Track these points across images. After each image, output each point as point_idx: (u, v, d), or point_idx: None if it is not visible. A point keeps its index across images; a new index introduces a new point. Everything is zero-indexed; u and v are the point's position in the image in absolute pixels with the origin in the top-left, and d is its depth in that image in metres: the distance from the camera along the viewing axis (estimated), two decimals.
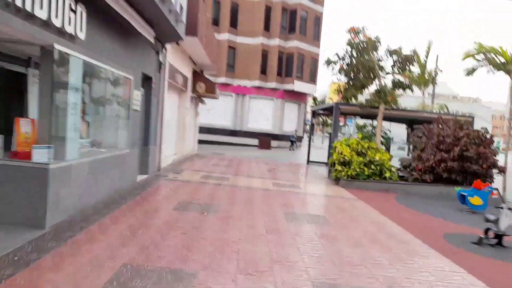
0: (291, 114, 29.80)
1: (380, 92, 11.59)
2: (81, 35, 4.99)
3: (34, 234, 4.17)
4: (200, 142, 25.34)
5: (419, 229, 6.47)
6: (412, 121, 15.60)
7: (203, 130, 26.48)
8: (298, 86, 28.44)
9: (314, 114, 17.10)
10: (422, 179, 10.69)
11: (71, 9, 4.68)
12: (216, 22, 27.28)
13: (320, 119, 49.53)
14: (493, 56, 11.05)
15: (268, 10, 27.95)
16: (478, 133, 10.61)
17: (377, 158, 10.75)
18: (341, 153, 11.11)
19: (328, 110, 15.83)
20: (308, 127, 64.04)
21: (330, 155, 12.43)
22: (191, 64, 14.50)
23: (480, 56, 11.41)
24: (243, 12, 27.97)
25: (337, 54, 12.16)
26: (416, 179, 10.81)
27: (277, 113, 28.54)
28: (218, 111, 28.09)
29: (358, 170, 10.67)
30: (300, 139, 31.23)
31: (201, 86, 15.14)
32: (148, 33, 7.64)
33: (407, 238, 5.80)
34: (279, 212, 6.69)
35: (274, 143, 27.54)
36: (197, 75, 15.14)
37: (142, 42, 7.98)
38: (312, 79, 29.93)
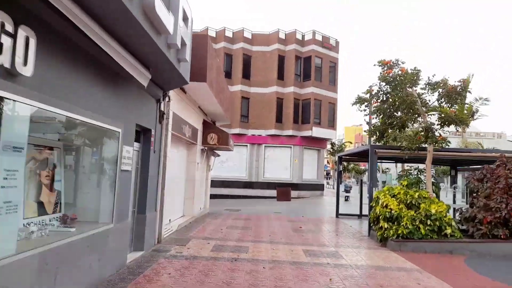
0: (311, 161, 27.92)
1: (428, 131, 9.70)
2: (26, 71, 3.44)
3: None
4: (214, 196, 23.44)
5: None
6: (456, 163, 13.50)
7: (216, 183, 24.71)
8: (317, 132, 26.84)
9: (341, 160, 15.16)
10: (493, 234, 8.43)
11: (6, 33, 3.18)
12: (228, 75, 26.66)
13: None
14: None
15: (281, 59, 27.28)
16: None
17: (433, 210, 8.61)
18: (386, 206, 9.04)
19: (358, 155, 13.92)
20: (332, 174, 61.56)
21: (370, 208, 10.35)
22: (201, 115, 13.11)
23: None
24: (256, 62, 27.38)
25: (369, 91, 10.50)
26: (484, 233, 8.55)
27: (295, 161, 26.71)
28: (233, 162, 26.53)
29: (411, 227, 8.51)
30: (321, 186, 29.00)
31: (213, 137, 13.62)
32: (140, 75, 6.17)
33: None
34: None
35: (294, 193, 25.37)
36: (208, 126, 13.69)
37: (136, 88, 6.51)
38: (331, 125, 28.37)
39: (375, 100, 10.46)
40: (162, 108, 8.01)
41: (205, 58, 9.00)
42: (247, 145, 26.86)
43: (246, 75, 27.23)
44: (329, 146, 40.35)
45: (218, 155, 16.07)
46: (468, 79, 10.12)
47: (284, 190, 24.53)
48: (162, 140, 8.31)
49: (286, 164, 26.90)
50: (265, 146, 26.94)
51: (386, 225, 8.94)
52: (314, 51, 27.29)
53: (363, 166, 54.54)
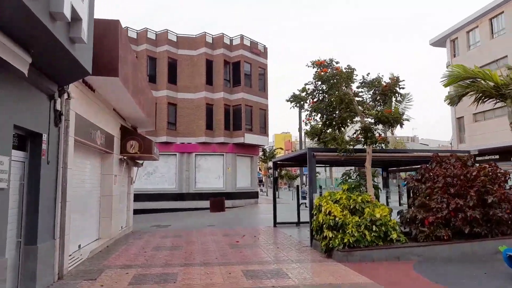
0: (244, 168, 27.01)
1: (367, 131, 9.24)
2: None
3: None
4: (141, 212, 21.25)
5: None
6: (388, 164, 13.52)
7: (143, 197, 22.54)
8: (249, 138, 26.05)
9: (276, 165, 14.37)
10: (436, 235, 8.13)
11: None
12: (153, 79, 24.70)
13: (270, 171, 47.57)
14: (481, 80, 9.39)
15: (209, 64, 26.01)
16: (493, 170, 8.51)
17: (377, 215, 8.06)
18: (330, 213, 8.29)
19: (294, 160, 13.22)
20: (265, 180, 61.15)
21: (311, 216, 9.59)
22: (118, 119, 11.32)
23: (465, 82, 9.72)
24: (182, 66, 25.78)
25: (304, 89, 9.76)
26: (428, 235, 8.21)
27: (228, 169, 25.56)
28: (161, 173, 24.50)
29: (357, 235, 7.84)
30: (256, 194, 28.23)
31: (134, 145, 11.87)
32: (16, 58, 4.50)
33: None
34: None
35: (228, 202, 24.13)
36: (128, 133, 11.91)
37: (14, 77, 4.82)
38: (263, 131, 27.83)
39: (311, 100, 9.78)
40: (58, 107, 6.29)
41: (116, 48, 7.47)
42: (176, 154, 25.03)
43: (173, 79, 25.49)
44: (260, 153, 40.05)
45: (141, 165, 14.24)
46: (397, 77, 9.94)
47: (217, 201, 23.19)
48: (61, 148, 6.56)
49: (218, 173, 25.62)
50: (195, 154, 25.38)
51: (330, 234, 8.17)
52: (243, 56, 26.59)
53: (294, 172, 55.42)
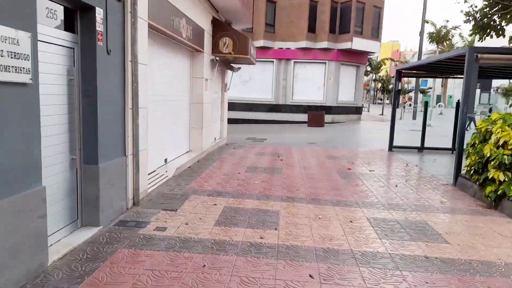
0: (348, 79, 23.64)
1: None
2: None
3: None
4: (235, 121, 20.34)
5: None
6: None
7: (238, 106, 21.44)
8: (358, 43, 22.07)
9: (400, 75, 11.15)
10: None
11: None
12: None
13: (380, 85, 42.21)
14: None
15: None
16: None
17: None
18: (504, 145, 5.48)
19: (432, 68, 9.85)
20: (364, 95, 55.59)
21: (460, 146, 6.82)
22: (209, 9, 9.19)
23: None
24: None
25: None
26: None
27: (330, 79, 22.55)
28: (256, 82, 22.75)
29: None
30: (359, 110, 25.13)
31: (227, 44, 9.82)
32: None
33: None
34: None
35: (327, 117, 21.80)
36: (220, 28, 9.81)
37: None
38: (375, 35, 23.35)
39: None
40: None
41: None
42: (273, 61, 22.69)
43: None
44: (369, 66, 35.22)
45: (237, 70, 12.38)
46: None
47: (316, 115, 20.98)
48: (127, 33, 4.74)
49: (319, 84, 22.83)
50: (294, 62, 22.68)
51: (502, 177, 5.45)
52: None
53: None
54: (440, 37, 25.28)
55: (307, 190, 6.35)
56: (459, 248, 4.07)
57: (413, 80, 28.22)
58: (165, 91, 7.27)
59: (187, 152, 8.89)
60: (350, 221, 4.85)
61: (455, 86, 57.89)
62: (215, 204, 5.29)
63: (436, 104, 38.79)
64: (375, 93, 64.31)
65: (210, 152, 10.03)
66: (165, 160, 7.35)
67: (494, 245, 4.20)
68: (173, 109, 7.85)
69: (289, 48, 22.38)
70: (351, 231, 4.50)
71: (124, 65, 4.76)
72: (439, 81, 34.98)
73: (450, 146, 11.56)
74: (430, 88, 40.43)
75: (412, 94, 37.47)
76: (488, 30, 7.01)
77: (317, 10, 22.00)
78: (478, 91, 25.03)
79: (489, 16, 6.72)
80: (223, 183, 6.58)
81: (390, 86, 38.91)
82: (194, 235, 4.15)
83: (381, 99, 58.86)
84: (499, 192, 5.49)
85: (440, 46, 27.60)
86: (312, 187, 6.58)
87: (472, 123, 17.42)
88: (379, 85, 42.32)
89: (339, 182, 7.11)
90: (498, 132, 5.68)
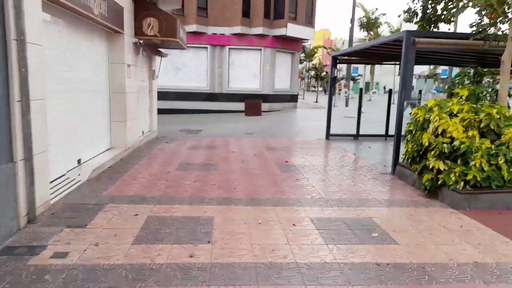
0: (284, 67, 23.50)
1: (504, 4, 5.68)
2: None
3: None
4: (169, 112, 19.12)
5: None
6: (482, 57, 9.60)
7: (171, 95, 20.19)
8: (292, 30, 21.90)
9: (336, 61, 10.98)
10: None
11: None
12: None
13: (312, 72, 43.04)
14: None
15: None
16: None
17: None
18: (443, 133, 5.39)
19: (367, 54, 9.78)
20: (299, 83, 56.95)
21: (398, 134, 6.73)
22: None
23: None
24: None
25: None
26: None
27: (266, 67, 22.18)
28: (190, 69, 21.58)
29: (488, 169, 5.00)
30: (295, 97, 25.21)
31: (152, 25, 8.75)
32: None
33: None
34: None
35: (264, 105, 21.49)
36: (144, 7, 8.68)
37: None
38: (309, 21, 23.39)
39: None
40: None
41: None
42: (207, 47, 21.64)
43: None
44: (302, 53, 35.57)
45: (165, 55, 11.28)
46: None
47: (253, 103, 20.54)
48: (8, 4, 3.64)
49: (255, 71, 22.36)
50: (229, 48, 21.86)
51: (442, 166, 5.35)
52: None
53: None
54: (370, 23, 26.19)
55: (246, 189, 5.76)
56: (409, 249, 3.76)
57: (344, 67, 29.19)
58: (76, 79, 6.11)
59: (108, 149, 7.77)
60: (293, 224, 4.35)
61: (381, 73, 61.53)
62: (136, 214, 4.44)
63: (370, 91, 40.64)
64: (309, 80, 66.02)
65: (137, 148, 8.98)
66: (79, 161, 6.24)
67: (443, 242, 3.98)
68: (88, 100, 6.70)
69: (223, 34, 21.50)
70: (295, 237, 3.99)
71: (6, 44, 3.66)
72: (368, 68, 36.62)
73: (383, 133, 11.78)
74: (360, 75, 42.27)
75: (343, 81, 38.83)
76: (434, 20, 6.93)
77: None
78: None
79: (430, 8, 6.64)
80: (149, 186, 5.71)
81: (323, 74, 39.96)
82: (105, 260, 3.31)
83: (314, 87, 60.53)
84: (439, 182, 5.39)
85: (369, 34, 28.65)
86: (251, 185, 6.00)
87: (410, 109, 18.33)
88: (313, 72, 43.23)
89: (279, 177, 6.62)
90: (436, 121, 5.58)
